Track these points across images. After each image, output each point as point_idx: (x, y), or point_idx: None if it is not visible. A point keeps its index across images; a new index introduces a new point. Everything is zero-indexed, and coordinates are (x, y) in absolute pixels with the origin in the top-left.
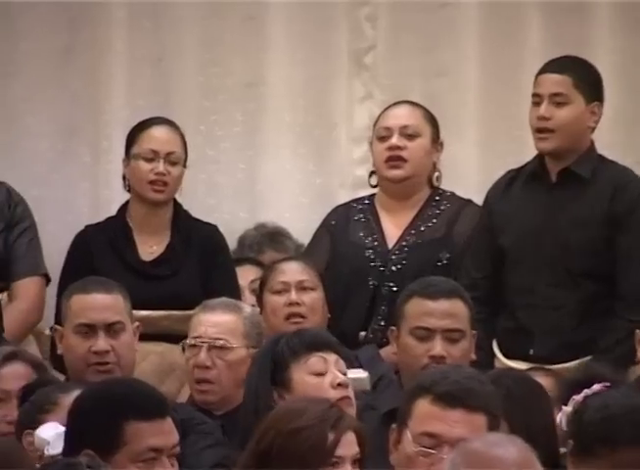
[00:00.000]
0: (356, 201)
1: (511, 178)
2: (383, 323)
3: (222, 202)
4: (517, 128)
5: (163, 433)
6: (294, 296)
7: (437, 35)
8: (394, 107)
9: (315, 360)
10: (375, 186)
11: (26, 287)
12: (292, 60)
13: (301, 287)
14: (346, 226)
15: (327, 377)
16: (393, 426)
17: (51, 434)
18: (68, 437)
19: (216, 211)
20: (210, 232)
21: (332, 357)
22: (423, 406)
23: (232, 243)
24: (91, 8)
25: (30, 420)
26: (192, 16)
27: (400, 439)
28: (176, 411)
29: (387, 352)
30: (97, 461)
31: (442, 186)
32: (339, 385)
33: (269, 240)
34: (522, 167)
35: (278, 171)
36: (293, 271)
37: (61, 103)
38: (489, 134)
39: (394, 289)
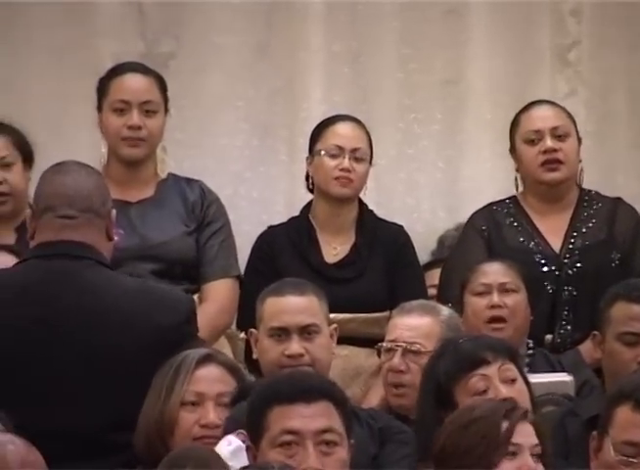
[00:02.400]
0: (497, 204)
1: None
2: (569, 327)
3: (421, 201)
4: None
5: (303, 416)
6: (495, 298)
7: None
8: (536, 108)
9: (475, 380)
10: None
11: (217, 289)
12: (493, 56)
13: (504, 289)
14: (500, 231)
15: (489, 394)
16: (594, 433)
17: (224, 451)
18: None
19: (416, 210)
20: (396, 232)
21: (493, 369)
22: (624, 414)
23: (432, 243)
24: (287, 3)
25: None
26: (391, 10)
27: (601, 446)
28: (375, 420)
29: (585, 350)
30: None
31: None
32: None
33: None
34: None
35: (478, 170)
36: (495, 273)
37: (257, 100)
38: None
39: (574, 293)
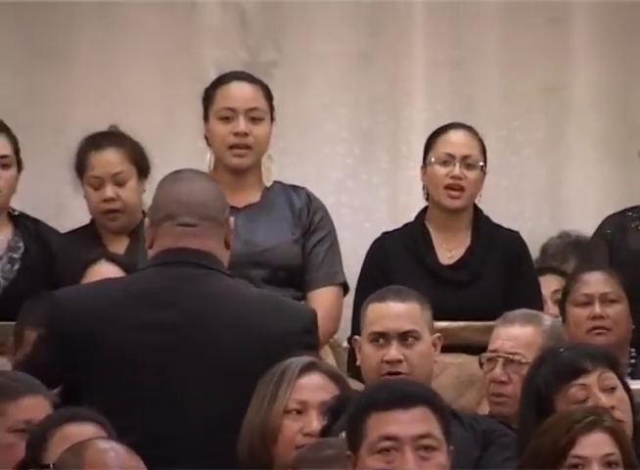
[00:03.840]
0: (631, 210)
1: None
2: None
3: (525, 209)
4: None
5: (401, 422)
6: (597, 309)
7: None
8: None
9: (575, 390)
10: None
11: (322, 296)
12: (595, 63)
13: (605, 299)
14: (624, 235)
15: (589, 404)
16: None
17: None
18: None
19: (519, 218)
20: (513, 239)
21: (592, 378)
22: None
23: (535, 251)
24: (390, 11)
25: None
26: (492, 17)
27: None
28: (478, 423)
29: None
30: None
31: None
32: None
33: (573, 249)
34: None
35: (581, 178)
36: (596, 283)
37: (359, 107)
38: None
39: None
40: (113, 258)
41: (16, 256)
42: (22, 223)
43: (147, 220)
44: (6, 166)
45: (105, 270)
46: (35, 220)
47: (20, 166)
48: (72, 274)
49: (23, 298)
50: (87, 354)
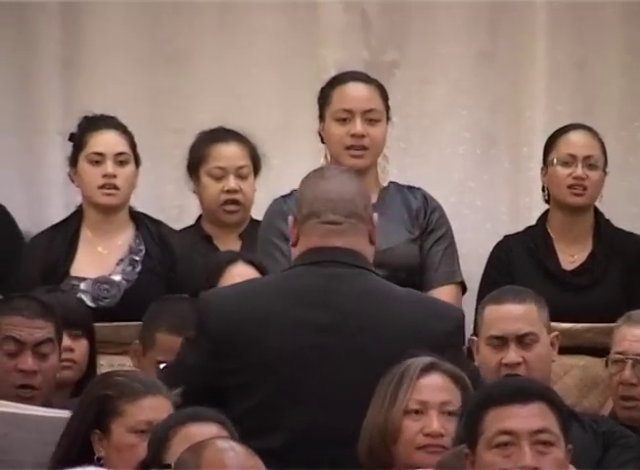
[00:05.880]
0: None
1: None
2: None
3: None
4: None
5: (518, 416)
6: None
7: None
8: None
9: None
10: None
11: (442, 295)
12: None
13: None
14: None
15: None
16: None
17: None
18: None
19: (638, 219)
20: (634, 242)
21: None
22: None
23: None
24: (511, 10)
25: None
26: (615, 17)
27: None
28: (598, 424)
29: None
30: None
31: None
32: None
33: None
34: None
35: None
36: None
37: (480, 108)
38: None
39: None
40: (250, 260)
41: (137, 258)
42: (144, 224)
43: (290, 218)
44: (124, 163)
45: (243, 271)
46: (157, 222)
47: (137, 162)
48: (199, 275)
49: (144, 300)
50: (239, 355)
